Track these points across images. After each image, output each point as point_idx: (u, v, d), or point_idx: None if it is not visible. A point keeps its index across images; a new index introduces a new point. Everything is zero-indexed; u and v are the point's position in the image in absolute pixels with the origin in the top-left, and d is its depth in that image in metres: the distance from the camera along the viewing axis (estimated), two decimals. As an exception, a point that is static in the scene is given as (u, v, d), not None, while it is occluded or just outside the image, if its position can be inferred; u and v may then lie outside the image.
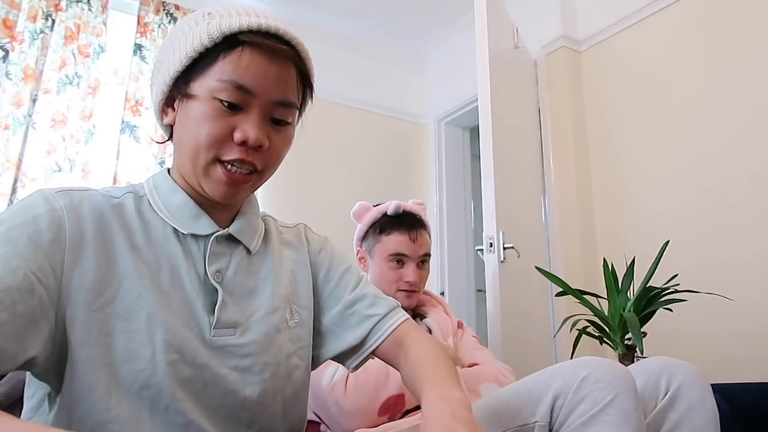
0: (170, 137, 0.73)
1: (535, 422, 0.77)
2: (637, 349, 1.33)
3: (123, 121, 2.40)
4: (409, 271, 1.37)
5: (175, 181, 0.72)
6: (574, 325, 1.50)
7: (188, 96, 0.66)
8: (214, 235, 0.71)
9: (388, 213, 1.42)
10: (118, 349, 0.60)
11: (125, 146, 2.39)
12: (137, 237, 0.67)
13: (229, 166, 0.66)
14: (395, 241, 1.38)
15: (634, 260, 1.47)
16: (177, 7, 2.62)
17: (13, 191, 2.10)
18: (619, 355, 1.41)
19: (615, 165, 2.32)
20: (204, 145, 0.65)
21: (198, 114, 0.65)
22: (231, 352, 0.68)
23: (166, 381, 0.61)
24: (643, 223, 2.16)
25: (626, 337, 1.41)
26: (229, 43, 0.64)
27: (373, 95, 3.30)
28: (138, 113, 2.44)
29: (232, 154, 0.66)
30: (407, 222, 1.40)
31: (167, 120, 0.71)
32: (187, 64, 0.66)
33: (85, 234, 0.62)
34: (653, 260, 1.44)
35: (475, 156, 3.16)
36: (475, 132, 3.36)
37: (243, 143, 0.65)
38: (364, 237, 1.46)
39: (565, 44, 2.50)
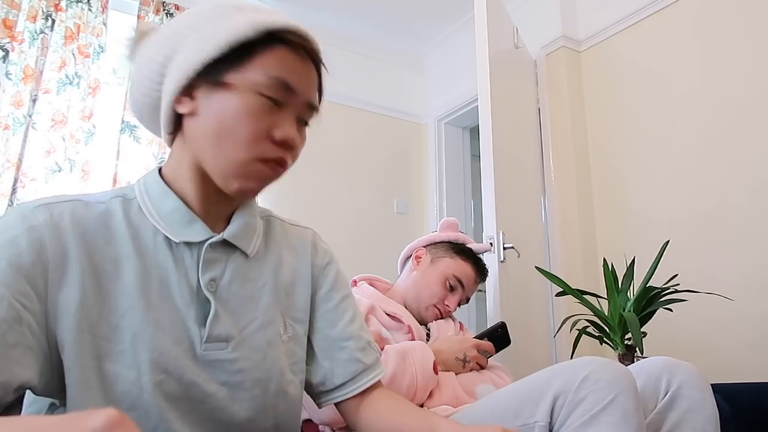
0: (175, 128, 0.68)
1: (536, 422, 0.77)
2: (637, 349, 1.33)
3: (123, 121, 2.40)
4: (454, 301, 1.40)
5: (167, 184, 0.68)
6: (574, 325, 1.50)
7: (222, 85, 0.62)
8: (208, 241, 0.67)
9: (471, 247, 1.50)
10: (105, 371, 0.59)
11: (125, 146, 2.39)
12: (124, 247, 0.63)
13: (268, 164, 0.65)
14: (465, 270, 1.43)
15: (634, 260, 1.47)
16: (177, 7, 2.62)
17: (13, 191, 2.10)
18: (619, 355, 1.41)
19: (615, 165, 2.32)
20: (246, 142, 0.62)
21: (237, 107, 0.62)
22: (221, 368, 0.65)
23: (153, 402, 0.59)
24: (643, 223, 2.16)
25: (626, 337, 1.41)
26: (271, 39, 0.63)
27: (373, 95, 3.30)
28: (138, 113, 2.44)
29: (272, 152, 0.64)
30: (482, 267, 1.48)
31: (185, 109, 0.65)
32: (225, 51, 0.62)
33: (68, 252, 0.59)
34: (653, 260, 1.44)
35: (475, 156, 3.16)
36: (475, 132, 3.36)
37: (283, 142, 0.64)
38: (436, 244, 1.50)
39: (565, 44, 2.50)
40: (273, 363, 0.70)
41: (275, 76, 0.63)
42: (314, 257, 0.82)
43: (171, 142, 0.71)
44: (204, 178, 0.67)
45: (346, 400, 0.79)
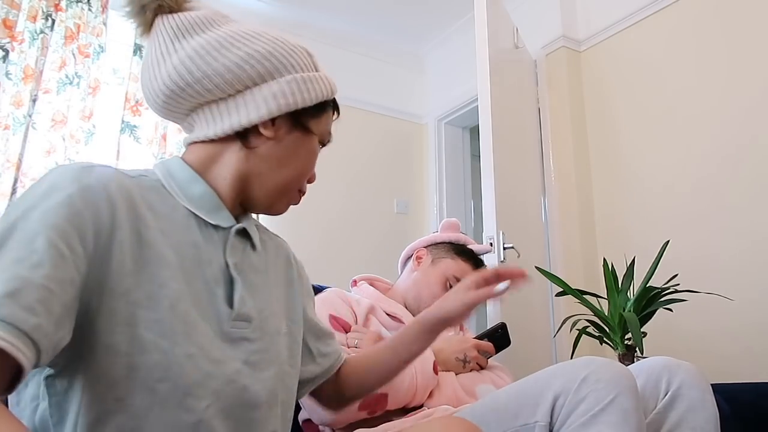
0: (235, 138, 0.72)
1: (536, 422, 0.77)
2: (637, 349, 1.33)
3: (123, 121, 2.40)
4: None
5: (196, 172, 0.72)
6: (574, 325, 1.50)
7: (304, 128, 0.75)
8: (234, 227, 0.72)
9: (472, 248, 1.48)
10: (137, 339, 0.58)
11: (125, 146, 2.39)
12: (161, 221, 0.65)
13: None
14: (466, 271, 1.41)
15: (634, 260, 1.47)
16: (177, 7, 2.62)
17: (13, 191, 2.10)
18: (619, 355, 1.41)
19: (615, 165, 2.33)
20: (301, 176, 0.77)
21: (311, 150, 0.77)
22: (245, 347, 0.68)
23: (181, 374, 0.59)
24: (643, 223, 2.17)
25: (626, 337, 1.41)
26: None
27: (374, 95, 3.30)
28: (138, 113, 2.44)
29: (305, 187, 0.80)
30: (483, 268, 1.46)
31: (269, 133, 0.72)
32: (315, 104, 0.75)
33: (117, 214, 0.59)
34: (653, 260, 1.44)
35: (475, 156, 3.16)
36: (475, 132, 3.36)
37: (311, 180, 0.81)
38: (437, 245, 1.49)
39: (565, 44, 2.50)
40: (279, 350, 0.74)
41: (330, 131, 0.80)
42: (297, 265, 0.89)
43: (200, 140, 0.73)
44: (241, 187, 0.73)
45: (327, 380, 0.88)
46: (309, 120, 0.75)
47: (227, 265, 0.69)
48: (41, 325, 0.48)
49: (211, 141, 0.72)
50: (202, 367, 0.61)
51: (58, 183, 0.57)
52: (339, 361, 0.90)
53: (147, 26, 0.72)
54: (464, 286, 0.88)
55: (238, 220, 0.75)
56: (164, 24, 0.71)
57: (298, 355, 0.80)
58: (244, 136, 0.71)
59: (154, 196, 0.66)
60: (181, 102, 0.71)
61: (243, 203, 0.75)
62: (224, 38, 0.70)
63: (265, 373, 0.70)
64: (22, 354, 0.46)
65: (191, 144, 0.74)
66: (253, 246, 0.76)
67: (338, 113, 0.82)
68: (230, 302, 0.68)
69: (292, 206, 0.81)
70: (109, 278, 0.57)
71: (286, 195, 0.77)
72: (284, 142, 0.73)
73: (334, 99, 0.80)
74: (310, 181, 0.81)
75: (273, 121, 0.72)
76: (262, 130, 0.71)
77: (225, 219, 0.72)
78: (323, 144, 0.80)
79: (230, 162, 0.72)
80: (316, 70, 0.77)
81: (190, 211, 0.68)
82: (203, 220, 0.69)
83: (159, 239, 0.63)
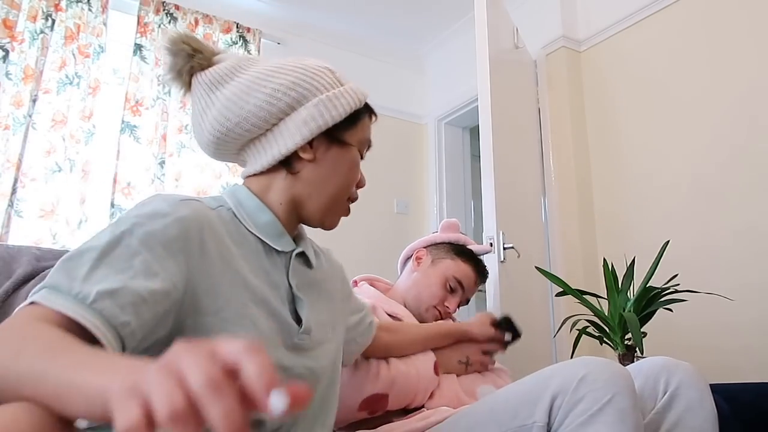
0: (281, 166, 0.79)
1: (534, 422, 0.77)
2: (637, 349, 1.33)
3: (123, 121, 2.40)
4: (454, 302, 1.39)
5: (261, 200, 0.79)
6: (574, 325, 1.50)
7: (342, 143, 0.80)
8: (295, 251, 0.80)
9: (472, 249, 1.49)
10: None
11: (125, 146, 2.39)
12: (239, 247, 0.72)
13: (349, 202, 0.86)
14: (466, 271, 1.41)
15: (634, 260, 1.47)
16: (177, 7, 2.62)
17: (13, 191, 2.10)
18: (619, 355, 1.41)
19: (615, 165, 2.32)
20: (348, 186, 0.83)
21: (351, 160, 0.82)
22: (307, 355, 0.77)
23: None
24: (643, 223, 2.16)
25: (626, 337, 1.41)
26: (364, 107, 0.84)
27: (374, 95, 3.19)
28: (138, 113, 2.44)
29: (355, 194, 0.86)
30: (482, 268, 1.47)
31: (308, 156, 0.78)
32: (345, 117, 0.79)
33: (206, 244, 0.67)
34: (653, 260, 1.44)
35: (475, 156, 3.16)
36: (475, 132, 3.36)
37: (360, 185, 0.87)
38: (437, 245, 1.49)
39: (565, 44, 2.50)
40: (327, 355, 0.82)
41: (368, 138, 0.86)
42: (343, 273, 0.97)
43: (252, 174, 0.81)
44: (295, 209, 0.80)
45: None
46: (343, 134, 0.80)
47: (290, 286, 0.78)
48: (129, 323, 0.55)
49: (262, 173, 0.79)
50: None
51: (160, 210, 0.65)
52: (372, 334, 1.05)
53: (187, 86, 0.80)
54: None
55: (295, 240, 0.83)
56: (199, 81, 0.78)
57: (339, 358, 0.88)
58: (287, 163, 0.78)
59: (232, 226, 0.74)
60: (229, 145, 0.79)
61: (299, 221, 0.83)
62: (250, 81, 0.76)
63: (319, 377, 0.79)
64: (111, 345, 0.53)
65: (247, 177, 0.81)
66: (310, 264, 0.84)
67: (375, 116, 0.87)
68: (296, 318, 0.76)
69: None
70: (204, 298, 0.65)
71: (337, 209, 0.83)
72: (325, 161, 0.80)
73: (367, 104, 0.84)
74: (359, 186, 0.86)
75: (310, 143, 0.78)
76: (302, 155, 0.78)
77: (287, 244, 0.79)
78: (363, 152, 0.85)
79: (280, 189, 0.80)
80: (341, 85, 0.81)
81: (258, 237, 0.76)
82: (269, 245, 0.76)
83: (241, 264, 0.71)
